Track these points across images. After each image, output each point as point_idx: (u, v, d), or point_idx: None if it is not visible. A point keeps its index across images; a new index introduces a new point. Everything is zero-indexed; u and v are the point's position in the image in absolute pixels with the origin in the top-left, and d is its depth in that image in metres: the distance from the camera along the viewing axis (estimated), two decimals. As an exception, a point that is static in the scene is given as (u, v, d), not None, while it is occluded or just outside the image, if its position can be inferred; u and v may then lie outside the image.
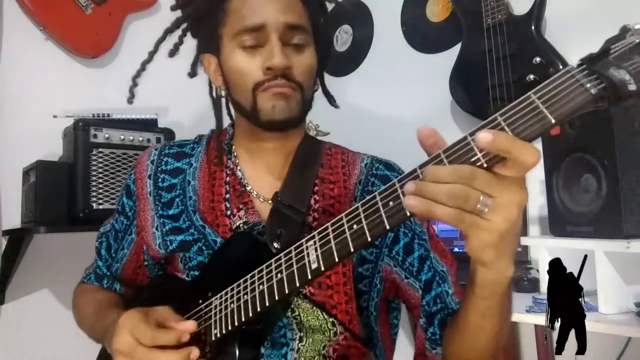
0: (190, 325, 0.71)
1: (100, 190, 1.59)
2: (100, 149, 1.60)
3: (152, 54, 0.93)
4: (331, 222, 0.62)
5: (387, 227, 0.56)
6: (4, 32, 1.73)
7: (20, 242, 1.66)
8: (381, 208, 0.57)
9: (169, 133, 1.75)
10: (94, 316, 0.87)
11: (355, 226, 0.59)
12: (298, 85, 0.80)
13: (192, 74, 0.94)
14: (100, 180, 1.59)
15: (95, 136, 1.59)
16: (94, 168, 1.58)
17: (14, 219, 1.67)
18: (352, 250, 0.59)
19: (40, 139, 1.73)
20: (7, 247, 1.64)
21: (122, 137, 1.65)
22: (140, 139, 1.68)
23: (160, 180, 0.90)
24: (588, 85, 0.48)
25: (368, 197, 0.59)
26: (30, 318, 1.70)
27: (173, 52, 0.91)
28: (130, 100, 0.97)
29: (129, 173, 0.95)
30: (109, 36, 1.92)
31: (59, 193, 1.54)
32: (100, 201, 1.58)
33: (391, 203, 0.56)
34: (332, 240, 0.61)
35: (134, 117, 1.73)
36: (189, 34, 0.92)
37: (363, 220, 0.58)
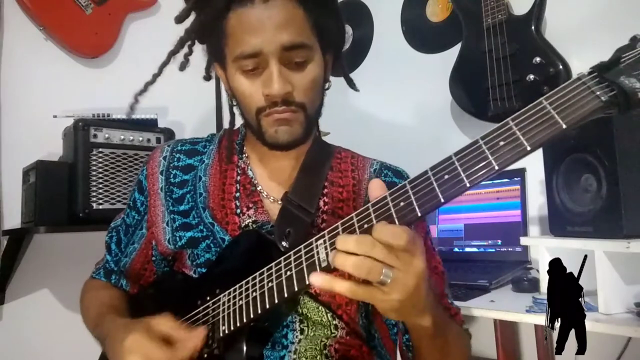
0: (201, 333, 0.71)
1: (100, 190, 1.59)
2: (100, 149, 1.60)
3: (155, 77, 0.90)
4: (341, 221, 0.63)
5: None
6: (4, 32, 1.73)
7: (20, 242, 1.66)
8: (392, 208, 0.58)
9: (169, 133, 1.75)
10: (95, 319, 0.88)
11: (365, 225, 0.60)
12: (300, 106, 0.80)
13: (207, 77, 0.93)
14: (100, 180, 1.59)
15: (95, 136, 1.59)
16: (94, 168, 1.58)
17: (14, 219, 1.67)
18: None
19: (40, 139, 1.73)
20: (7, 247, 1.64)
21: (122, 137, 1.65)
22: (140, 139, 1.68)
23: (172, 176, 0.91)
24: (599, 92, 0.49)
25: (379, 198, 0.60)
26: (30, 318, 1.70)
27: (184, 65, 0.89)
28: (129, 114, 0.96)
29: (141, 169, 0.96)
30: (109, 36, 1.92)
31: (59, 193, 1.54)
32: (100, 201, 1.58)
33: (402, 203, 0.58)
34: None
35: (134, 117, 1.73)
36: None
37: (374, 220, 0.59)
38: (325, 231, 0.64)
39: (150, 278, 0.95)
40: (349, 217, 0.62)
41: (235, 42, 0.78)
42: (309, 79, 0.80)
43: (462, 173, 0.54)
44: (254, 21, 0.76)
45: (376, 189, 0.62)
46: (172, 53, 0.87)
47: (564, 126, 0.49)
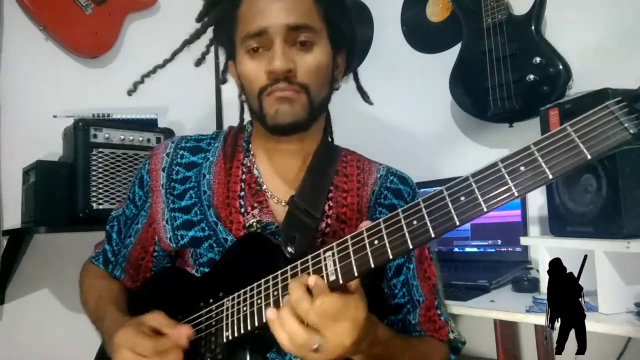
0: (185, 331, 0.72)
1: (100, 190, 1.59)
2: (100, 149, 1.60)
3: (167, 62, 0.93)
4: (351, 235, 0.62)
5: (410, 246, 0.56)
6: (4, 32, 1.73)
7: (20, 242, 1.66)
8: (404, 227, 0.57)
9: (169, 133, 1.75)
10: (95, 310, 0.88)
11: (376, 242, 0.59)
12: (303, 87, 0.79)
13: (222, 80, 0.94)
14: (100, 180, 1.59)
15: (95, 136, 1.59)
16: (94, 168, 1.58)
17: (14, 219, 1.67)
18: (372, 267, 0.59)
19: (40, 139, 1.72)
20: (7, 247, 1.64)
21: (122, 137, 1.65)
22: (140, 139, 1.68)
23: (174, 172, 0.90)
24: (627, 124, 0.47)
25: (391, 214, 0.59)
26: (30, 318, 1.70)
27: (200, 62, 0.91)
28: (130, 92, 0.97)
29: (143, 163, 0.95)
30: (109, 36, 1.92)
31: (59, 193, 1.54)
32: (100, 201, 1.58)
33: (415, 222, 0.56)
34: (351, 254, 0.61)
35: (134, 117, 1.73)
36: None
37: (385, 237, 0.58)
38: (334, 243, 0.63)
39: (146, 273, 0.95)
40: (359, 231, 0.61)
41: (244, 24, 0.80)
42: (313, 62, 0.80)
43: (479, 197, 0.52)
44: (262, 5, 0.78)
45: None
46: (187, 42, 0.89)
47: (589, 157, 0.47)
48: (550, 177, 0.49)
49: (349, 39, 0.89)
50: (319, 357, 0.61)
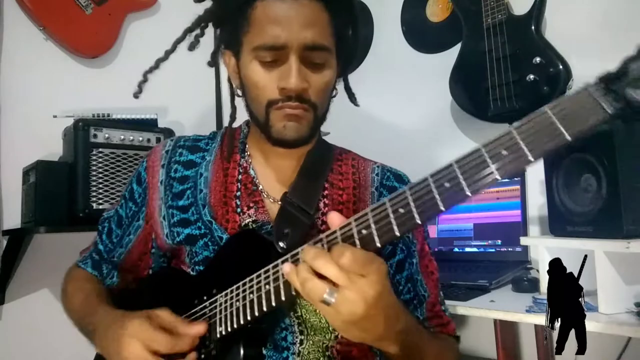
0: (202, 329, 0.72)
1: (100, 190, 1.59)
2: (100, 149, 1.60)
3: (168, 53, 0.91)
4: (340, 226, 0.62)
5: (398, 233, 0.57)
6: (4, 32, 1.73)
7: (20, 242, 1.66)
8: (391, 214, 0.57)
9: (169, 133, 1.75)
10: (82, 309, 0.88)
11: (364, 231, 0.59)
12: (312, 105, 0.79)
13: (212, 63, 0.91)
14: (100, 180, 1.59)
15: (95, 136, 1.59)
16: (94, 168, 1.58)
17: (14, 219, 1.67)
18: None
19: (40, 139, 1.73)
20: (7, 247, 1.64)
21: (122, 137, 1.65)
22: (140, 139, 1.69)
23: (173, 170, 0.91)
24: (605, 104, 0.48)
25: (377, 203, 0.59)
26: (30, 318, 1.70)
27: (193, 45, 0.88)
28: (137, 95, 0.96)
29: (141, 161, 0.95)
30: (109, 36, 1.92)
31: (59, 193, 1.54)
32: (100, 201, 1.58)
33: (401, 210, 0.57)
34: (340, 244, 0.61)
35: (134, 117, 1.73)
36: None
37: (372, 225, 0.58)
38: (324, 235, 0.63)
39: (144, 271, 0.95)
40: (347, 222, 0.61)
41: (258, 31, 0.78)
42: (324, 80, 0.80)
43: (463, 182, 0.53)
44: (281, 14, 0.76)
45: (334, 220, 0.62)
46: (189, 30, 0.87)
47: (569, 138, 0.48)
48: (531, 158, 0.50)
49: (350, 49, 0.90)
50: (330, 316, 0.59)
